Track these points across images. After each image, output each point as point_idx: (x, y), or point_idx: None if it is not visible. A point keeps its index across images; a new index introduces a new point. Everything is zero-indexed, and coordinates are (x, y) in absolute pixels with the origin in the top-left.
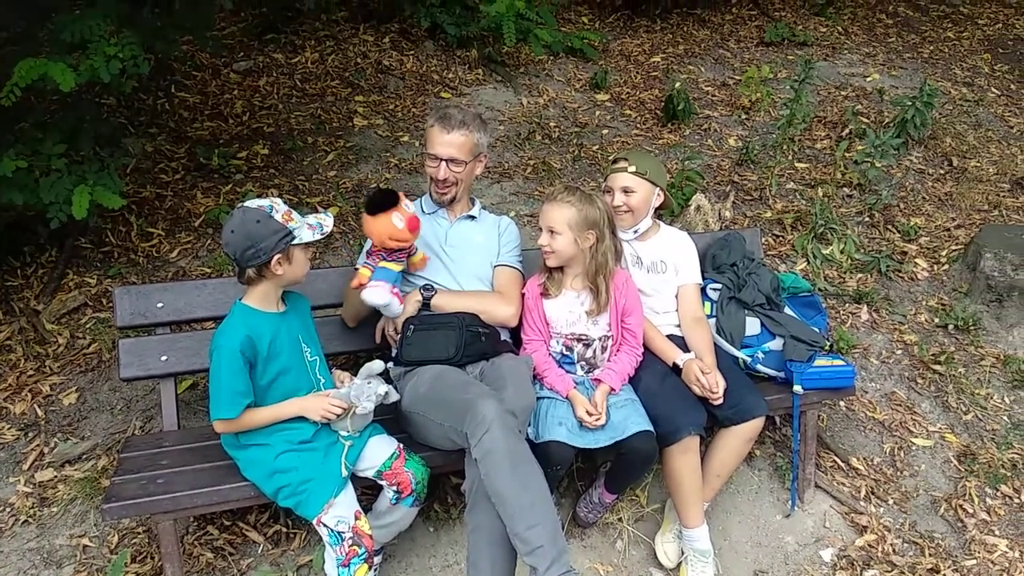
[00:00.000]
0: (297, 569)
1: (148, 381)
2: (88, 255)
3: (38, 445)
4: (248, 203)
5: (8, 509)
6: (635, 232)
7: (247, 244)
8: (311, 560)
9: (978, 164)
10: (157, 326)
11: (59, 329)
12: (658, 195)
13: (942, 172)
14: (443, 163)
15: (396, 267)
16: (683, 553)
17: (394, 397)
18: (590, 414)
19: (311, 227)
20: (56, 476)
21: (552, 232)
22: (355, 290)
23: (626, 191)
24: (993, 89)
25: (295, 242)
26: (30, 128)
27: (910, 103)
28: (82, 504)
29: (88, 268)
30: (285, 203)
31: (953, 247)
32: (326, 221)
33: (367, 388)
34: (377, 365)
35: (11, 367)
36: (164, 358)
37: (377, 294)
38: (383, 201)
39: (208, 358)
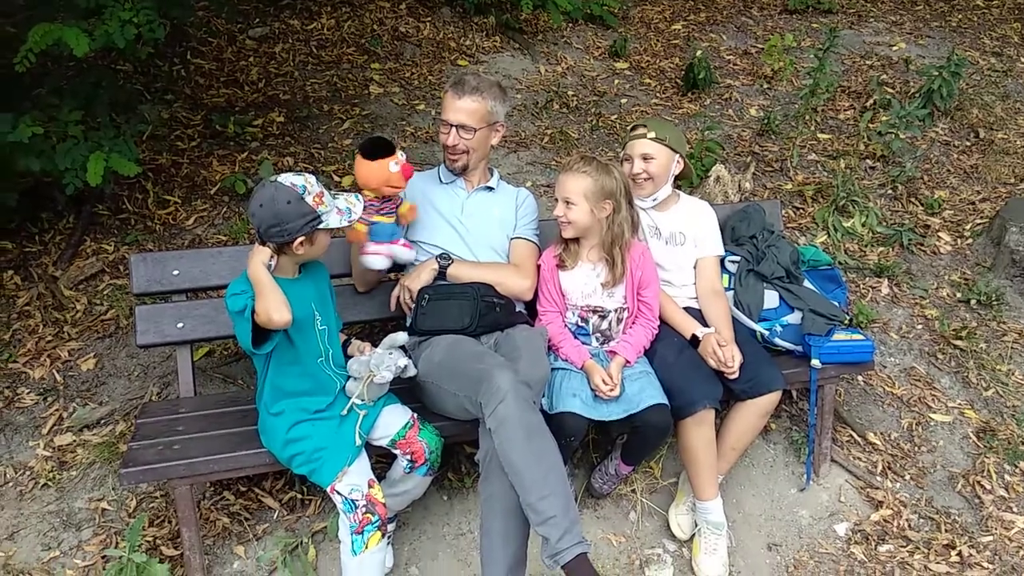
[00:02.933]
0: (312, 535)
1: (165, 348)
2: (105, 222)
3: (57, 410)
4: (282, 178)
5: (28, 472)
6: (654, 200)
7: (273, 222)
8: (326, 527)
9: (1005, 136)
10: (173, 293)
11: (77, 295)
12: (678, 162)
13: (968, 144)
14: (453, 129)
15: (389, 219)
16: (696, 525)
17: (412, 372)
18: (605, 383)
19: (340, 212)
20: (75, 440)
21: (568, 202)
22: (359, 251)
23: (645, 158)
24: (1023, 59)
25: (321, 227)
26: (46, 94)
27: (937, 73)
28: (100, 468)
29: (105, 235)
30: (319, 183)
31: (977, 221)
32: (356, 207)
33: (388, 359)
34: (401, 336)
35: (30, 332)
36: (180, 325)
37: (379, 260)
38: (382, 147)
39: (224, 325)
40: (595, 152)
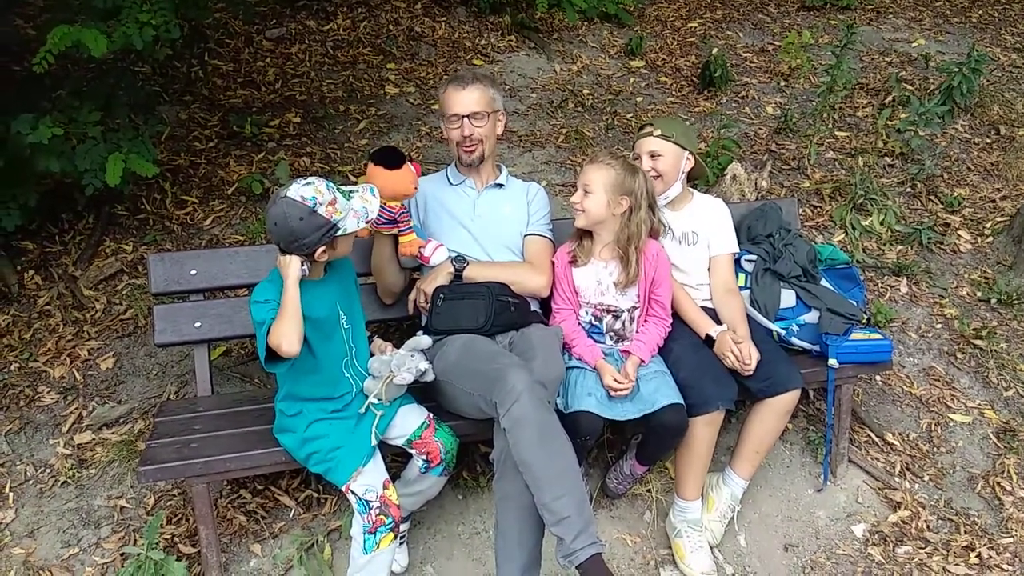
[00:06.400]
0: (328, 534)
1: (182, 347)
2: (124, 222)
3: (77, 408)
4: (291, 193)
5: (48, 470)
6: (665, 199)
7: (290, 239)
8: (341, 525)
9: None
10: (191, 293)
11: (96, 295)
12: (687, 159)
13: (988, 141)
14: (465, 119)
15: (411, 221)
16: (675, 528)
17: (431, 377)
18: (618, 382)
19: (356, 214)
20: (94, 439)
21: (587, 190)
22: (389, 264)
23: (653, 155)
24: None
25: (339, 234)
26: (66, 96)
27: (957, 69)
28: (119, 466)
29: (124, 235)
30: (330, 187)
31: (998, 219)
32: (372, 205)
33: (410, 360)
34: (425, 340)
35: (50, 332)
36: (198, 324)
37: (443, 251)
38: (394, 155)
39: (240, 325)
40: (611, 151)
